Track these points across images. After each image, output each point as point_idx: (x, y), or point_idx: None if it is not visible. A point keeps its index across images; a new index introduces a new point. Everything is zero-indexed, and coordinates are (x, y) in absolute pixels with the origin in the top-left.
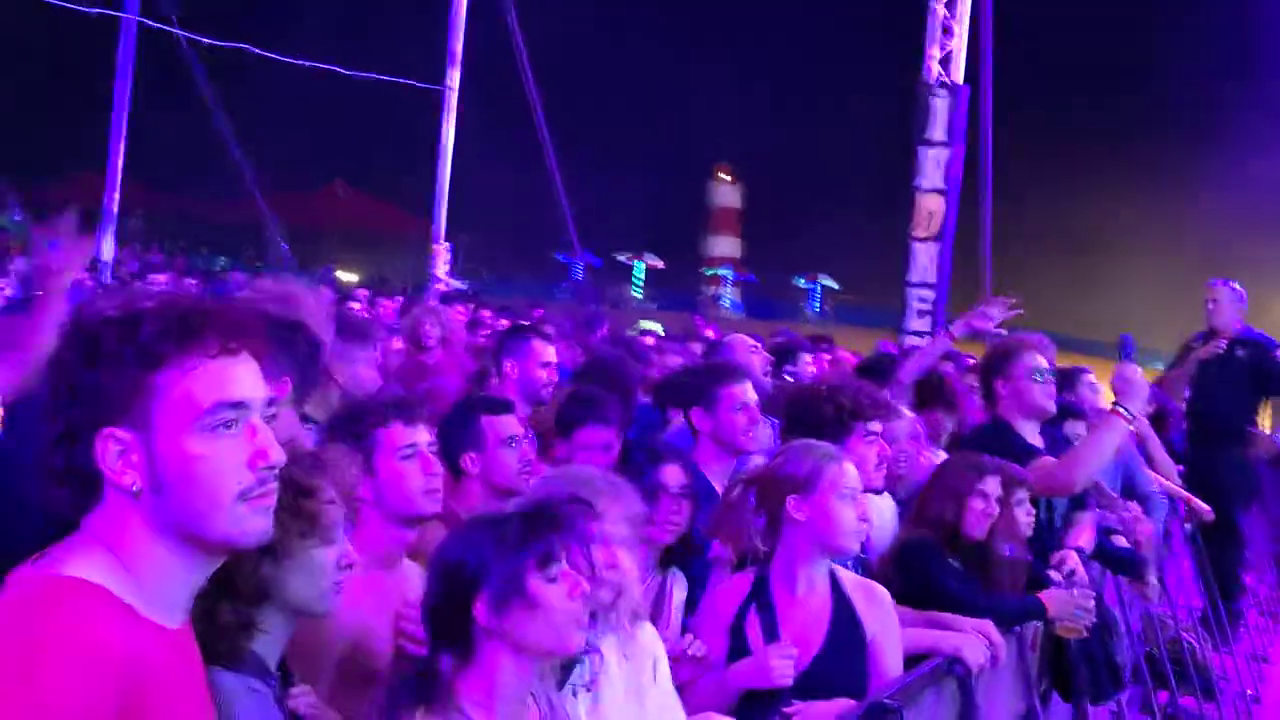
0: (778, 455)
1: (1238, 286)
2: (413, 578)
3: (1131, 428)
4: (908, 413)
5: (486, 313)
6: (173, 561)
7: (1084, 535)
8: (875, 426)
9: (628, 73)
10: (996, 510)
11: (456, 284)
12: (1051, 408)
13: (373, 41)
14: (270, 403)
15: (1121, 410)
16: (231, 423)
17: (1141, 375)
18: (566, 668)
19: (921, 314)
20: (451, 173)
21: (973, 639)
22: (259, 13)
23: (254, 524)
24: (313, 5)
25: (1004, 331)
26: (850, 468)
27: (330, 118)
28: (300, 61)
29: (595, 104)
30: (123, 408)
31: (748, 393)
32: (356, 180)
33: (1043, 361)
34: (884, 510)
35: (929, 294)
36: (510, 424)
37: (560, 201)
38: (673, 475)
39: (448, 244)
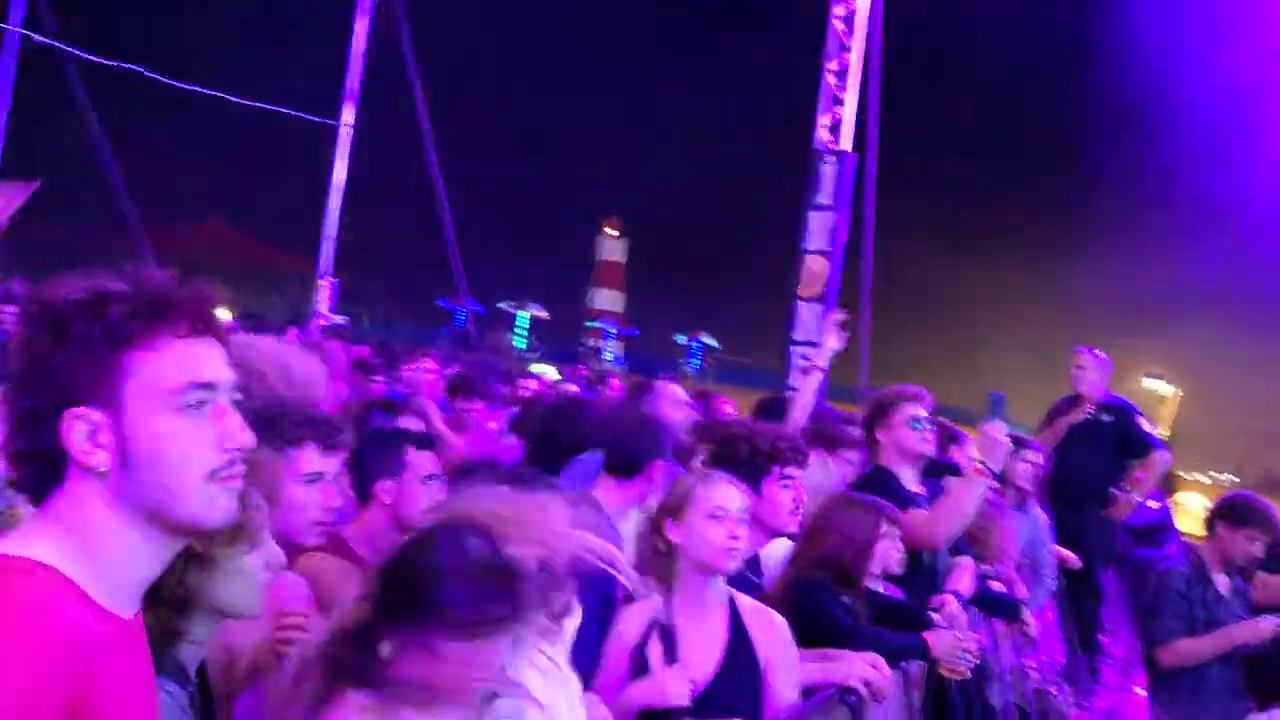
0: (669, 485)
1: (1102, 354)
2: (290, 590)
3: (994, 484)
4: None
5: (365, 350)
6: (133, 545)
7: (964, 581)
8: (792, 471)
9: (522, 122)
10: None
11: (337, 319)
12: (929, 450)
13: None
14: (236, 387)
15: (984, 467)
16: (202, 403)
17: (1006, 434)
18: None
19: (804, 370)
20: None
21: (863, 666)
22: (149, 35)
23: (221, 504)
24: (207, 32)
25: (845, 336)
26: (724, 489)
27: (217, 148)
28: (190, 87)
29: (488, 150)
30: (91, 388)
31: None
32: (238, 214)
33: (921, 411)
34: (775, 548)
35: (811, 351)
36: (431, 461)
37: (448, 246)
38: None
39: (333, 281)
